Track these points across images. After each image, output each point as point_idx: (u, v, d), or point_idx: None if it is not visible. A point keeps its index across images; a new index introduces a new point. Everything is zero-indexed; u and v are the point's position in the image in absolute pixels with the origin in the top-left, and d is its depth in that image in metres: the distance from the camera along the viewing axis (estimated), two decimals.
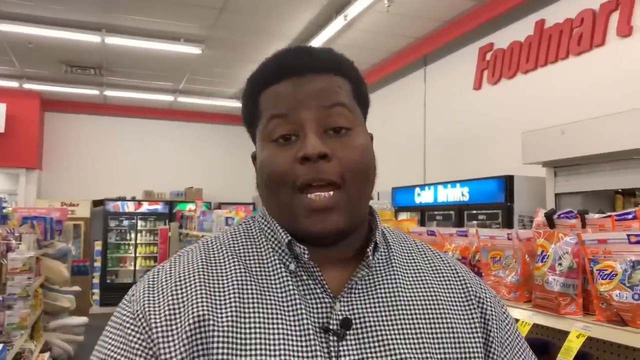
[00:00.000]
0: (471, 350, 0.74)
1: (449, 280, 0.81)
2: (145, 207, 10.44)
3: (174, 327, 0.68)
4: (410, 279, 0.79)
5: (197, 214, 7.30)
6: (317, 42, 6.58)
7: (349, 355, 0.68)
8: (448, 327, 0.74)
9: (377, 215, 0.82)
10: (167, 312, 0.69)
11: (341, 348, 0.69)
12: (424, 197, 5.65)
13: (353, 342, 0.69)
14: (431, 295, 0.77)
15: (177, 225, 8.59)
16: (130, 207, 10.32)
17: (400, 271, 0.79)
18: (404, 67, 7.36)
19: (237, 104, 10.27)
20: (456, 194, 5.07)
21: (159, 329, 0.68)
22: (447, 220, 5.19)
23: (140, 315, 0.69)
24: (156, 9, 6.20)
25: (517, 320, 1.50)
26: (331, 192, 0.71)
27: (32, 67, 8.38)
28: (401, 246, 0.84)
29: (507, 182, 4.35)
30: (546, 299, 1.44)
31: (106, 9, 6.19)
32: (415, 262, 0.82)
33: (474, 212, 4.75)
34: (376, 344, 0.70)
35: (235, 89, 9.59)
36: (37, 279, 4.63)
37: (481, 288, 0.82)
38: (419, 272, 0.80)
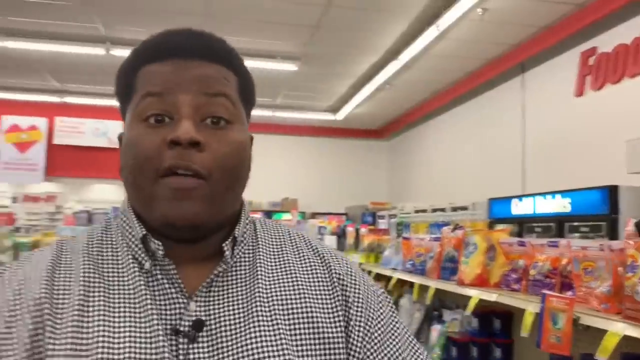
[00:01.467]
0: (331, 338, 0.70)
1: (314, 267, 0.76)
2: None
3: (16, 330, 0.61)
4: (274, 272, 0.73)
5: (292, 224, 7.56)
6: (409, 53, 6.62)
7: (198, 357, 0.64)
8: (308, 318, 0.70)
9: (245, 209, 0.77)
10: (5, 313, 0.63)
11: (191, 351, 0.64)
12: (522, 208, 5.47)
13: (206, 345, 0.65)
14: (293, 287, 0.72)
15: None
16: None
17: (264, 265, 0.74)
18: (500, 75, 7.18)
19: (332, 117, 10.51)
20: (556, 205, 4.88)
21: (2, 333, 0.61)
22: (546, 232, 4.99)
23: None
24: (253, 29, 6.56)
25: (606, 332, 1.48)
26: (194, 179, 0.66)
27: None
28: (272, 239, 0.79)
29: (612, 193, 4.13)
30: (636, 310, 1.41)
31: (208, 31, 6.64)
32: (283, 254, 0.77)
33: (576, 224, 4.54)
34: (231, 345, 0.65)
35: (330, 102, 9.84)
36: None
37: (349, 274, 0.77)
38: (285, 264, 0.75)
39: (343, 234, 4.86)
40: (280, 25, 6.40)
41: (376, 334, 0.73)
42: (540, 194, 5.13)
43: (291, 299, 0.71)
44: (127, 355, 0.62)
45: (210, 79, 0.70)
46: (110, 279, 0.68)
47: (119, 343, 0.62)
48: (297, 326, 0.69)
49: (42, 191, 11.51)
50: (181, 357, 0.63)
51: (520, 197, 5.51)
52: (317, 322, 0.70)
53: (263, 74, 7.96)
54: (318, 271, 0.76)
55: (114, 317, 0.64)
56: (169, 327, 0.65)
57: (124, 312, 0.65)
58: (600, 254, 1.73)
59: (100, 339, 0.62)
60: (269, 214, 10.89)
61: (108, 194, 10.71)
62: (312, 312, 0.71)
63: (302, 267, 0.76)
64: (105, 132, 10.14)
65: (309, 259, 0.78)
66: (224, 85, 0.71)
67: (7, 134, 10.04)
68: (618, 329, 1.44)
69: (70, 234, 4.44)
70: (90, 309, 0.65)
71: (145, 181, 0.67)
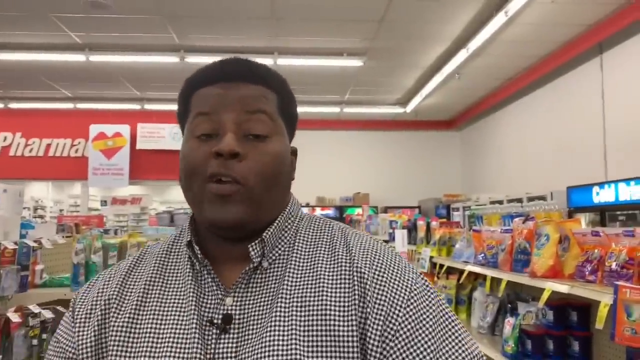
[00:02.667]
0: (343, 335, 0.71)
1: (340, 263, 0.78)
2: (318, 212, 11.09)
3: (89, 321, 0.79)
4: (302, 270, 0.78)
5: (364, 218, 7.59)
6: (478, 41, 6.47)
7: (226, 346, 0.73)
8: (322, 315, 0.72)
9: (285, 214, 0.83)
10: (88, 308, 0.80)
11: (220, 340, 0.73)
12: (604, 196, 5.23)
13: (234, 335, 0.73)
14: (315, 284, 0.76)
15: None
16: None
17: (294, 265, 0.79)
18: (575, 57, 6.86)
19: (400, 110, 10.43)
20: None
21: (80, 322, 0.79)
22: (631, 220, 4.75)
23: (73, 312, 0.82)
24: (319, 29, 6.66)
25: None
26: (232, 185, 0.75)
27: None
28: (311, 238, 0.83)
29: None
30: None
31: (276, 33, 6.81)
32: (316, 253, 0.80)
33: None
34: (252, 337, 0.73)
35: (397, 95, 9.77)
36: None
37: (373, 269, 0.76)
38: (314, 263, 0.79)
39: (414, 227, 4.84)
40: (345, 22, 6.45)
41: (402, 331, 0.72)
42: (623, 180, 4.89)
43: (310, 295, 0.75)
44: (168, 339, 0.74)
45: (251, 98, 0.80)
46: (169, 277, 0.81)
47: (164, 329, 0.75)
48: (310, 322, 0.72)
49: (128, 194, 12.23)
50: (212, 345, 0.73)
51: (601, 184, 5.26)
52: (331, 318, 0.72)
53: (330, 71, 8.04)
54: (343, 267, 0.77)
55: (164, 308, 0.78)
56: (206, 319, 0.75)
57: (172, 305, 0.78)
58: None
59: (150, 325, 0.76)
60: (340, 209, 10.99)
61: None
62: (327, 308, 0.73)
63: (329, 265, 0.78)
64: None
65: (338, 255, 0.79)
66: (263, 103, 0.80)
67: (95, 141, 10.73)
68: None
69: (155, 234, 4.72)
70: (148, 301, 0.79)
71: (195, 186, 0.77)
